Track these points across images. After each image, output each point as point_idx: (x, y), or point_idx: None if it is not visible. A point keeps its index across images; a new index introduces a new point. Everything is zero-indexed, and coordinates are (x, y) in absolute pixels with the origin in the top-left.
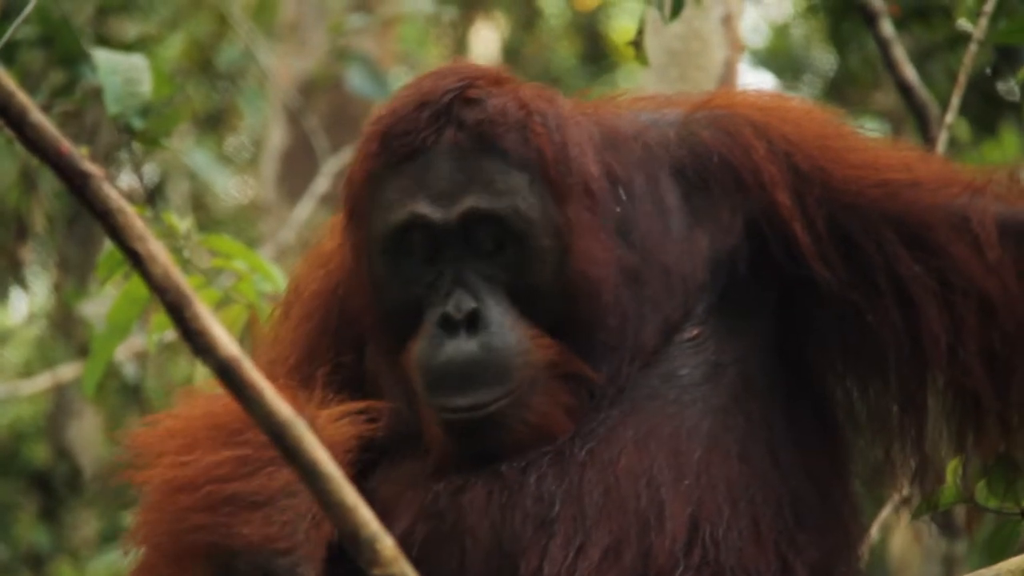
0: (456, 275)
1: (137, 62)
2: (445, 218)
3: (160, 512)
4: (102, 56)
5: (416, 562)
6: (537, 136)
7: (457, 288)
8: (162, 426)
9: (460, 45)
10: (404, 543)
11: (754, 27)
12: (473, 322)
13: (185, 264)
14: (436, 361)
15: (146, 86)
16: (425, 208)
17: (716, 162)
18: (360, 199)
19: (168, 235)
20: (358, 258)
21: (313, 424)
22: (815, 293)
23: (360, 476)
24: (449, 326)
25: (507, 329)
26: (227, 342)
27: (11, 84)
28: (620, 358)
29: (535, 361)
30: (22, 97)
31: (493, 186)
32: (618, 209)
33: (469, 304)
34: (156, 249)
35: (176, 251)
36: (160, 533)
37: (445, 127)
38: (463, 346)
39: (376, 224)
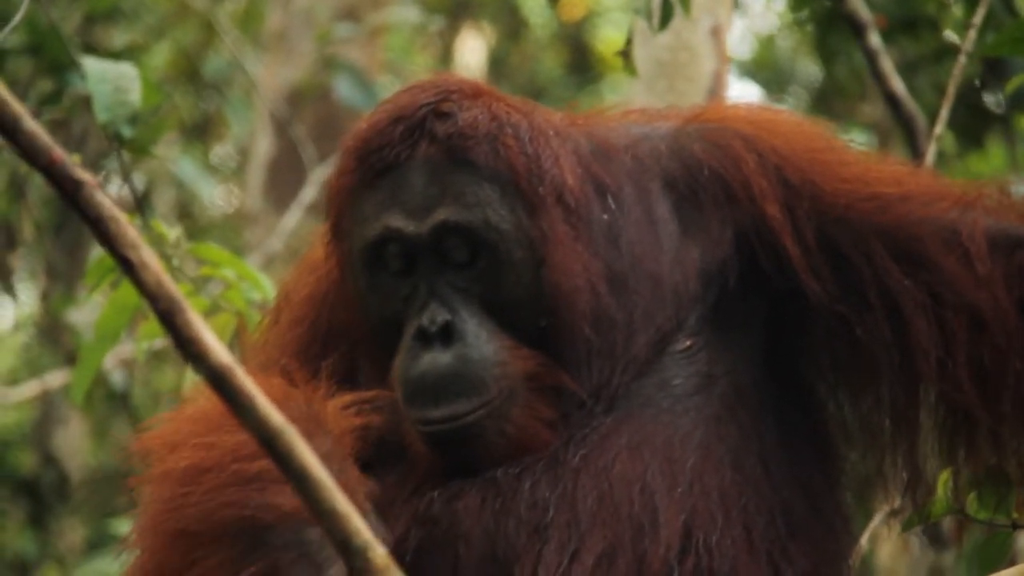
0: (431, 288)
1: (126, 70)
2: (418, 231)
3: (183, 497)
4: (91, 64)
5: (410, 569)
6: (508, 148)
7: (432, 301)
8: (177, 419)
9: (446, 55)
10: (398, 550)
11: (741, 38)
12: (448, 334)
13: (174, 272)
14: (412, 374)
15: (135, 94)
16: (399, 221)
17: (707, 175)
18: (340, 214)
19: (157, 243)
20: (342, 273)
21: (320, 414)
22: (805, 306)
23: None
24: (424, 339)
25: (483, 341)
26: (219, 349)
27: (4, 92)
28: (611, 367)
29: (513, 372)
30: (15, 105)
31: (464, 199)
32: (605, 217)
33: (443, 316)
34: (148, 257)
35: (165, 259)
36: (182, 518)
37: (419, 141)
38: (438, 358)
39: (355, 239)
